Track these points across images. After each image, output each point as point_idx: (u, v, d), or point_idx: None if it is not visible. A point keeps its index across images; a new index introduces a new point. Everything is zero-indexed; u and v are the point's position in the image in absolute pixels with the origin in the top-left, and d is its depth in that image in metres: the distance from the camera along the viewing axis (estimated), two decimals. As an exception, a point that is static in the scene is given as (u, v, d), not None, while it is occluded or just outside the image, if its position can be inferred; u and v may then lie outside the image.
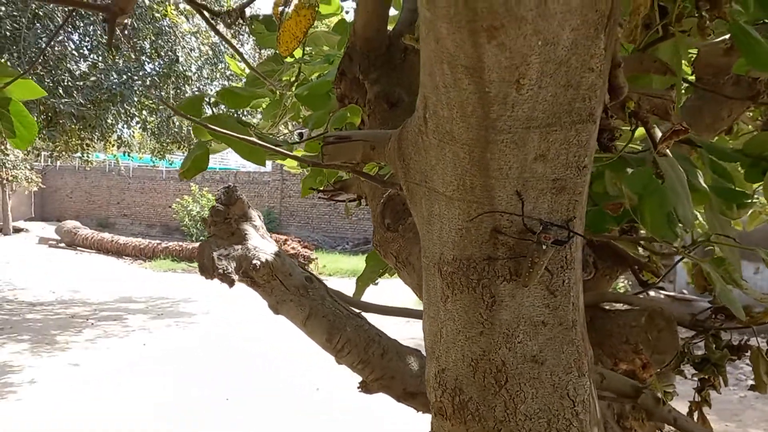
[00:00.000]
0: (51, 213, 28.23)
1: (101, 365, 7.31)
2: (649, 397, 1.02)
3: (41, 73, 7.02)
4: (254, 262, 1.15)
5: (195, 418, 5.69)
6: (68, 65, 7.15)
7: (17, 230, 24.10)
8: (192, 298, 11.66)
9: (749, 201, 1.41)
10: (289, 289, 1.16)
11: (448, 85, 0.72)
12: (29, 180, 22.41)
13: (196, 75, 8.58)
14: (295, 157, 1.12)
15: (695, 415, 1.50)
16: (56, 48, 7.04)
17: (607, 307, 1.39)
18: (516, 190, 0.74)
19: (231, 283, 1.12)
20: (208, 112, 1.74)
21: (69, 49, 7.35)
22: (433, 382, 0.88)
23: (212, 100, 1.79)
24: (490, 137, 0.72)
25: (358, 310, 1.25)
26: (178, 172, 1.72)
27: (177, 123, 9.53)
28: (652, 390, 1.06)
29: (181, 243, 18.17)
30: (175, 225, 22.59)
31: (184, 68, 7.96)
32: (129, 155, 11.98)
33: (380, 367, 1.17)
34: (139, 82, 8.28)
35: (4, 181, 21.81)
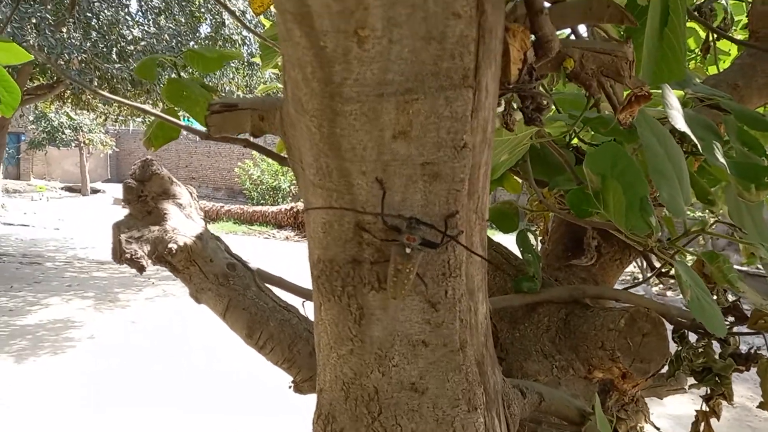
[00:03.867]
0: (126, 175, 29.57)
1: (157, 323, 7.61)
2: (594, 426, 0.84)
3: (95, 38, 7.18)
4: (170, 245, 1.03)
5: (244, 369, 5.81)
6: (121, 30, 7.29)
7: (94, 191, 25.49)
8: (250, 259, 11.96)
9: (774, 180, 1.15)
10: (208, 277, 1.04)
11: (284, 37, 0.56)
12: (104, 143, 23.58)
13: (247, 39, 8.55)
14: (187, 128, 0.99)
15: (701, 427, 1.30)
16: (108, 12, 7.18)
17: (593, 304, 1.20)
18: (376, 177, 0.57)
19: (140, 269, 1.01)
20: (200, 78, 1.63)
21: (122, 14, 7.49)
22: (316, 403, 0.74)
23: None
24: (337, 107, 0.55)
25: (292, 303, 1.12)
26: (143, 141, 1.63)
27: (226, 87, 9.59)
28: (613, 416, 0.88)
29: (242, 206, 18.64)
30: (239, 188, 23.16)
31: (231, 32, 7.93)
32: (188, 119, 12.24)
33: (307, 368, 1.03)
34: (193, 44, 8.33)
35: (82, 144, 23.00)
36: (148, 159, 1.08)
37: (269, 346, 1.02)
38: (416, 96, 0.53)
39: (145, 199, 1.06)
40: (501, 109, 0.77)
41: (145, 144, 1.54)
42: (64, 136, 22.17)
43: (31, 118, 22.17)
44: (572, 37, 0.80)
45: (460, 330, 0.62)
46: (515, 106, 0.75)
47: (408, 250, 0.56)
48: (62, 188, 25.01)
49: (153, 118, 1.48)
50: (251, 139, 0.93)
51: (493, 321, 1.22)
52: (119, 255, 1.00)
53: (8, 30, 5.93)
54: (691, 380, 1.31)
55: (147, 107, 1.43)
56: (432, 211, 0.58)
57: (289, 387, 1.10)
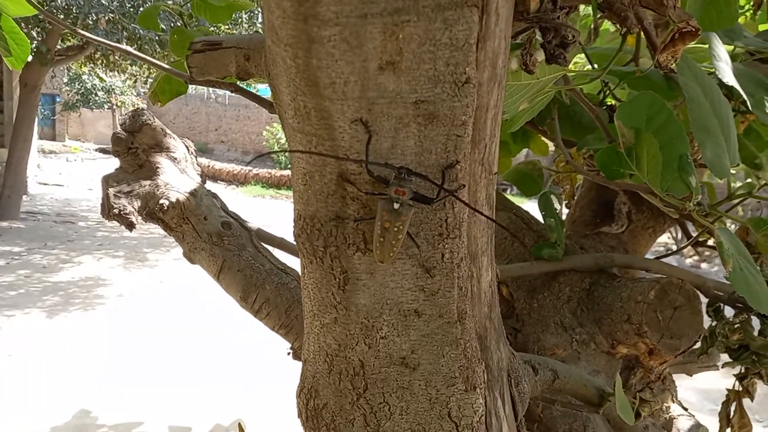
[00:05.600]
0: (157, 137, 29.90)
1: (183, 282, 7.72)
2: (613, 409, 0.75)
3: (122, -3, 7.13)
4: (162, 201, 0.96)
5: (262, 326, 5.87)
6: (147, -11, 7.22)
7: (127, 153, 25.88)
8: (270, 225, 12.02)
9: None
10: (201, 236, 0.97)
11: (252, -50, 0.47)
12: (135, 106, 23.80)
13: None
14: (171, 71, 0.90)
15: (732, 407, 1.21)
16: (134, -29, 7.11)
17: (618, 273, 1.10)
18: (359, 118, 0.48)
19: (129, 227, 0.95)
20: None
21: (148, -28, 7.41)
22: (300, 375, 0.67)
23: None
24: (313, 32, 0.46)
25: (294, 266, 1.04)
26: (148, 96, 1.56)
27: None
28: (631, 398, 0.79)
29: (270, 170, 18.71)
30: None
31: (258, -9, 7.72)
32: (216, 82, 12.18)
33: (305, 334, 0.97)
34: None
35: (114, 107, 23.29)
36: (139, 108, 1.01)
37: (265, 311, 0.96)
38: (407, 17, 0.44)
39: (136, 151, 0.99)
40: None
41: (150, 99, 1.46)
42: (97, 98, 22.45)
43: (65, 80, 22.47)
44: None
45: (459, 299, 0.54)
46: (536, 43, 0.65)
47: (396, 206, 0.48)
48: (96, 150, 25.41)
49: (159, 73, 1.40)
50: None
51: (510, 290, 1.14)
52: (107, 210, 0.94)
53: (35, -12, 5.90)
54: (725, 357, 1.22)
55: (151, 59, 1.35)
56: (427, 161, 0.49)
57: (288, 354, 1.04)
